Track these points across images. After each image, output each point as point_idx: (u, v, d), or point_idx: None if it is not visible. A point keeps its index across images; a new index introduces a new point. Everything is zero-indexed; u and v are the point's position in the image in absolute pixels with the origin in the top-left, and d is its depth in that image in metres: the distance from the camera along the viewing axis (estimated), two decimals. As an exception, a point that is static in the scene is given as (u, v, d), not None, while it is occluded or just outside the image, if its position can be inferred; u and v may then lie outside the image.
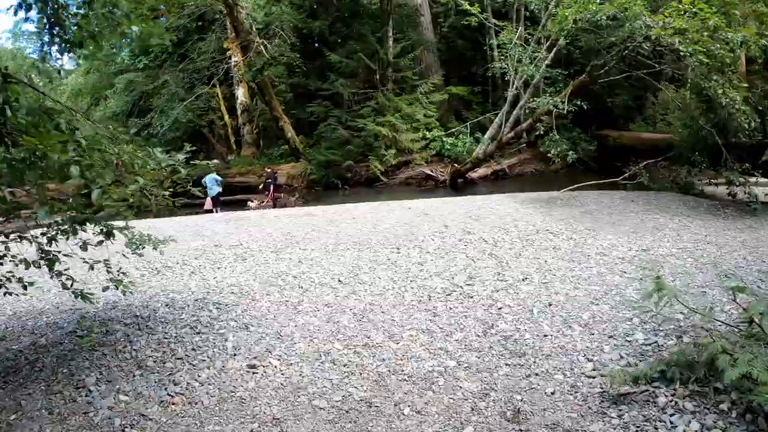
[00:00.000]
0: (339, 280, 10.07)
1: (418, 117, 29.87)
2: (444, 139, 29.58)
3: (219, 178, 24.11)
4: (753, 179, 16.00)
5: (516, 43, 21.68)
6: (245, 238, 13.51)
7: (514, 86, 22.75)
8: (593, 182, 18.46)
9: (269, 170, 26.19)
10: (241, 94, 35.86)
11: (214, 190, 23.73)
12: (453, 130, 29.86)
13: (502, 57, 23.25)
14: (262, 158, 34.34)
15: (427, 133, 29.86)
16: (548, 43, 21.63)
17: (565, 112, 17.01)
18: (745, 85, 15.54)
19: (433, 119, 30.58)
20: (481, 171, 27.44)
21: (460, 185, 26.95)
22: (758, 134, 15.98)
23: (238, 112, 36.43)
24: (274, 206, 24.29)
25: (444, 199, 18.03)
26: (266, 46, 29.46)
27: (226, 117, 36.39)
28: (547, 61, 21.15)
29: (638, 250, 11.20)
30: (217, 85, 35.46)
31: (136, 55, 34.85)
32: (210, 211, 23.44)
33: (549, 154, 16.91)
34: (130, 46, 35.35)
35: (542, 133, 23.05)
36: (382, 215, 15.32)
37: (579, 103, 17.29)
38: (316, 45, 32.82)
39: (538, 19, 23.54)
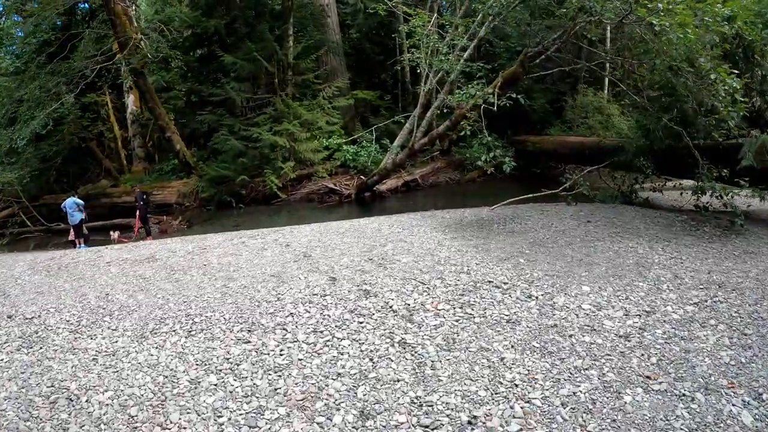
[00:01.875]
0: (130, 415, 5.14)
1: (320, 124, 24.24)
2: (344, 147, 24.05)
3: (80, 202, 18.41)
4: (736, 189, 11.65)
5: (430, 30, 16.46)
6: (51, 302, 8.76)
7: (428, 83, 17.50)
8: (529, 195, 13.51)
9: (138, 190, 20.07)
10: (131, 102, 29.88)
11: (76, 217, 18.02)
12: (356, 136, 24.25)
13: (414, 48, 17.91)
14: (153, 174, 28.35)
15: (325, 141, 24.20)
16: (469, 33, 16.53)
17: (495, 107, 11.79)
18: (736, 71, 10.95)
19: (337, 126, 24.96)
20: (391, 182, 22.16)
21: (367, 199, 21.75)
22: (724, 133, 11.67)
23: (128, 122, 30.35)
24: (148, 234, 18.53)
25: (340, 224, 12.51)
26: (145, 43, 23.48)
27: (116, 128, 30.29)
28: (469, 51, 16.08)
29: (639, 313, 6.48)
30: (106, 93, 29.56)
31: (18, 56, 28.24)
32: (74, 243, 17.95)
33: (480, 162, 11.53)
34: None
35: (458, 137, 18.35)
36: (245, 260, 9.86)
37: (515, 96, 11.98)
38: (215, 46, 26.73)
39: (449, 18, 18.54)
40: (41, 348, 6.96)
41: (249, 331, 6.51)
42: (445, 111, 16.87)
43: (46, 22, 26.15)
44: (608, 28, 20.76)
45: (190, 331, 6.75)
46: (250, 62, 23.85)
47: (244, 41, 24.16)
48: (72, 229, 18.20)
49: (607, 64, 20.95)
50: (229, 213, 22.38)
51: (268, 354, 5.87)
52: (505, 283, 7.29)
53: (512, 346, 5.66)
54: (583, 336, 5.85)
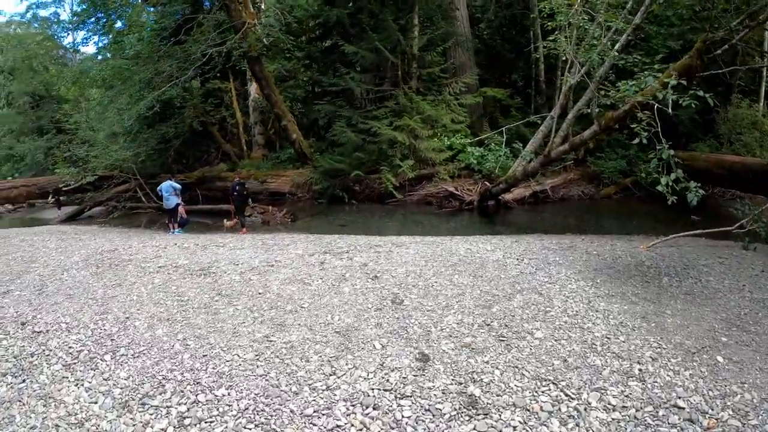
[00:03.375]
0: None
1: (445, 122, 21.03)
2: (469, 149, 20.41)
3: (177, 186, 16.34)
4: None
5: (576, 10, 12.77)
6: (70, 315, 6.71)
7: (573, 77, 13.77)
8: (695, 232, 10.02)
9: (236, 179, 17.47)
10: (253, 89, 27.92)
11: (171, 201, 15.98)
12: (483, 137, 20.44)
13: (556, 33, 14.09)
14: (269, 161, 26.26)
15: (447, 140, 20.58)
16: (620, 18, 12.83)
17: (669, 106, 8.18)
18: None
19: (462, 125, 21.54)
20: (518, 191, 18.68)
21: (490, 208, 18.19)
22: None
23: (250, 109, 28.50)
24: (242, 226, 16.15)
25: (454, 248, 9.20)
26: (261, 29, 21.19)
27: (239, 114, 28.42)
28: (623, 40, 12.44)
29: None
30: (230, 79, 27.67)
31: (142, 40, 27.09)
32: (169, 227, 16.19)
33: (660, 186, 7.64)
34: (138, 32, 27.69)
35: (595, 146, 14.81)
36: (312, 295, 6.81)
37: (702, 94, 8.10)
38: (337, 36, 24.10)
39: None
40: (23, 383, 5.05)
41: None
42: (592, 111, 13.16)
43: (177, 7, 24.82)
44: None
45: (183, 419, 4.09)
46: (372, 52, 21.15)
47: (367, 31, 21.46)
48: (167, 213, 16.37)
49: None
50: (340, 209, 19.98)
51: None
52: (703, 413, 3.95)
53: None
54: None
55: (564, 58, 13.89)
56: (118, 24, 27.67)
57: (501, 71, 26.79)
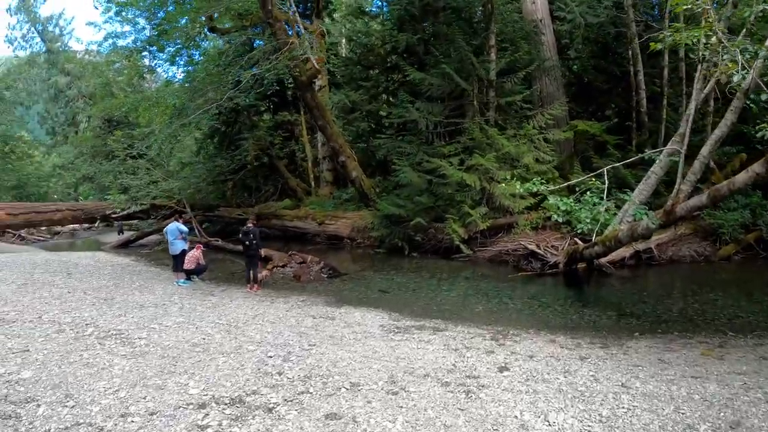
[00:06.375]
0: None
1: (526, 161, 15.84)
2: (552, 199, 13.05)
3: (184, 229, 12.54)
4: None
5: None
6: None
7: (740, 70, 7.81)
8: None
9: (249, 224, 12.32)
10: (324, 123, 23.94)
11: (177, 246, 12.23)
12: (574, 182, 13.04)
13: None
14: (333, 200, 21.94)
15: (521, 185, 14.19)
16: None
17: None
18: None
19: (549, 166, 16.21)
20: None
21: (580, 273, 12.86)
22: None
23: (319, 144, 24.38)
24: (254, 280, 11.63)
25: (495, 403, 4.45)
26: (302, 50, 16.90)
27: (308, 149, 24.45)
28: None
29: None
30: (301, 112, 23.75)
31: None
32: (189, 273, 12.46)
33: None
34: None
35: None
36: None
37: None
38: (404, 63, 19.35)
39: None
40: None
41: None
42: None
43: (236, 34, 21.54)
44: None
45: None
46: (440, 78, 16.40)
47: (438, 58, 16.91)
48: (173, 260, 12.61)
49: None
50: (397, 263, 15.26)
51: None
52: None
53: None
54: None
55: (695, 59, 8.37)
56: (195, 54, 24.64)
57: (594, 105, 21.16)
